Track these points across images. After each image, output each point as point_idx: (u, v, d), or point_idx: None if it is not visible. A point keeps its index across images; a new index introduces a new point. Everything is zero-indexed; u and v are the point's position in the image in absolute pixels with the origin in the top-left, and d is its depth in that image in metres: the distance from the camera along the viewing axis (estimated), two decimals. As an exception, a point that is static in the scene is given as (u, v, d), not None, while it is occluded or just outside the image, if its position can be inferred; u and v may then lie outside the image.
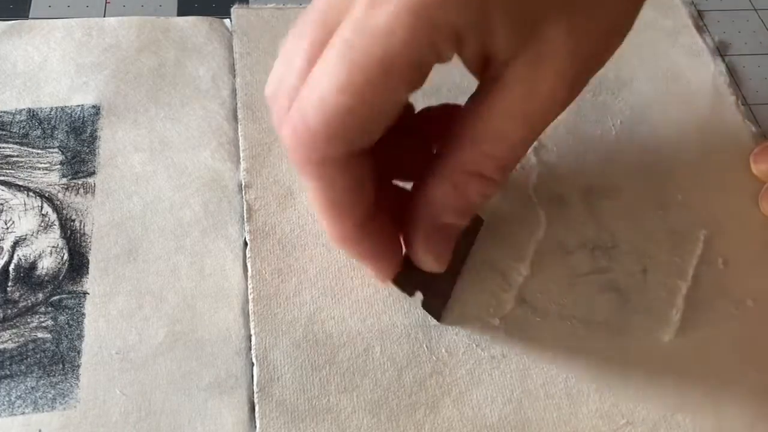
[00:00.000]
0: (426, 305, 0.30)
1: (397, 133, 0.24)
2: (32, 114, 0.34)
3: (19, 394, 0.27)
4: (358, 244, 0.26)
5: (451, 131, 0.25)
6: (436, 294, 0.30)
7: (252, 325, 0.29)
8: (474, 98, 0.24)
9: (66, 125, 0.34)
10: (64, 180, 0.32)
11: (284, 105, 0.23)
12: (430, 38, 0.21)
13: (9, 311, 0.29)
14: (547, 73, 0.22)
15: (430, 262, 0.27)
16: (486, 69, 0.23)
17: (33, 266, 0.30)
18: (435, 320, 0.30)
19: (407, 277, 0.28)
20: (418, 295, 0.29)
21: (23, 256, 0.30)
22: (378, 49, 0.20)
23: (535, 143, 0.35)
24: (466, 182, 0.25)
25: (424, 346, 0.29)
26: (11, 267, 0.30)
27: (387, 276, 0.28)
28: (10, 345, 0.28)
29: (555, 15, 0.22)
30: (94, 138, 0.34)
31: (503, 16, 0.21)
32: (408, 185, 0.28)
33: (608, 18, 0.23)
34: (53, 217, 0.31)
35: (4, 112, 0.34)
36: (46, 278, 0.30)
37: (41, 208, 0.31)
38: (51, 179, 0.32)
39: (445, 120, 0.27)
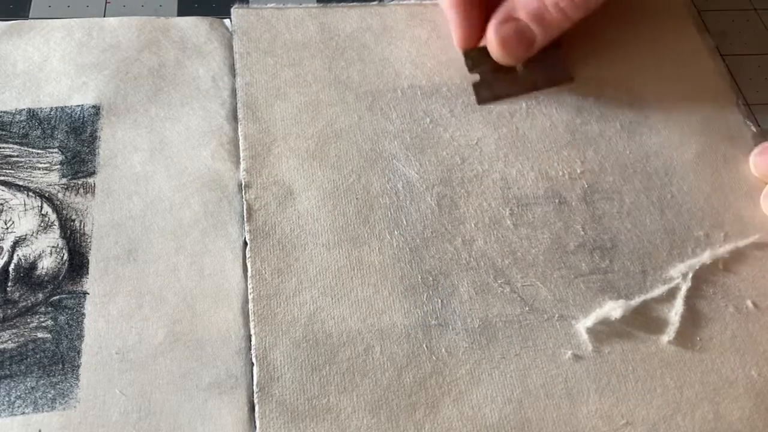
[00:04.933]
0: (477, 86, 0.36)
1: None
2: (32, 114, 0.34)
3: (19, 394, 0.27)
4: (460, 10, 0.34)
5: None
6: (493, 86, 0.36)
7: (252, 325, 0.29)
8: None
9: (66, 125, 0.34)
10: (64, 180, 0.32)
11: None
12: None
13: (9, 311, 0.29)
14: None
15: (496, 46, 0.34)
16: None
17: (33, 266, 0.30)
18: (476, 102, 0.36)
19: (477, 58, 0.35)
20: (474, 77, 0.36)
21: (23, 256, 0.30)
22: None
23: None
24: None
25: (424, 346, 0.29)
26: (11, 267, 0.30)
27: (464, 39, 0.35)
28: (10, 345, 0.28)
29: None
30: (94, 138, 0.34)
31: None
32: None
33: None
34: (53, 217, 0.31)
35: (4, 112, 0.34)
36: (46, 278, 0.30)
37: (41, 208, 0.31)
38: (51, 179, 0.32)
39: None
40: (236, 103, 0.35)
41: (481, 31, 0.35)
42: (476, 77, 0.36)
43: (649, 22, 0.41)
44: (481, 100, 0.36)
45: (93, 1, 0.40)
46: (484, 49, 0.35)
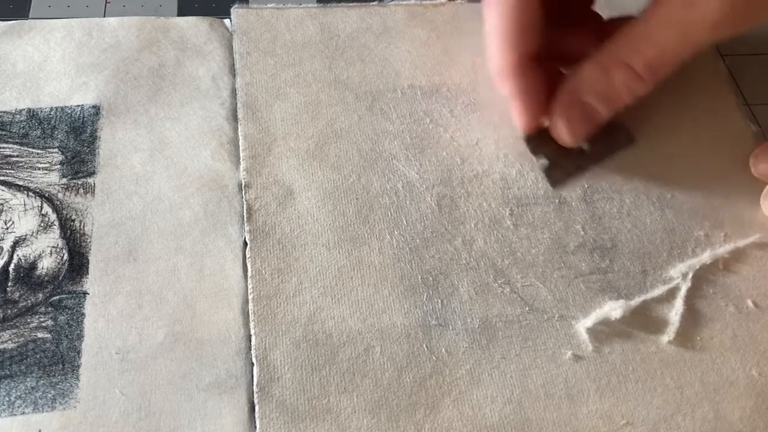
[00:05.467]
0: (548, 171, 0.34)
1: (573, 20, 0.31)
2: (32, 114, 0.34)
3: (19, 394, 0.27)
4: (516, 76, 0.31)
5: (622, 25, 0.30)
6: (563, 167, 0.34)
7: (252, 325, 0.29)
8: (644, 11, 0.29)
9: (66, 125, 0.34)
10: (64, 180, 0.32)
11: None
12: None
13: (9, 311, 0.29)
14: None
15: (563, 130, 0.32)
16: None
17: (33, 266, 0.30)
18: (550, 186, 0.34)
19: (540, 140, 0.33)
20: (542, 162, 0.34)
21: (23, 256, 0.30)
22: None
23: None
24: (614, 69, 0.30)
25: (424, 346, 0.29)
26: (11, 267, 0.30)
27: (526, 122, 0.32)
28: (10, 345, 0.28)
29: None
30: (94, 138, 0.34)
31: None
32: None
33: None
34: (53, 217, 0.31)
35: (4, 112, 0.34)
36: (46, 278, 0.30)
37: (41, 208, 0.31)
38: (51, 179, 0.32)
39: (618, 24, 0.31)
40: (236, 103, 0.35)
41: (544, 112, 0.32)
42: (543, 161, 0.34)
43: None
44: (556, 183, 0.34)
45: (93, 1, 0.40)
46: (547, 130, 0.33)
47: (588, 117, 0.31)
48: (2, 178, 0.32)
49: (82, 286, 0.30)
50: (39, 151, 0.33)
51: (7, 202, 0.31)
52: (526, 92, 0.31)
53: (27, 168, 0.32)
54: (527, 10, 0.30)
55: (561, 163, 0.34)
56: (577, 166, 0.34)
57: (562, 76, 0.33)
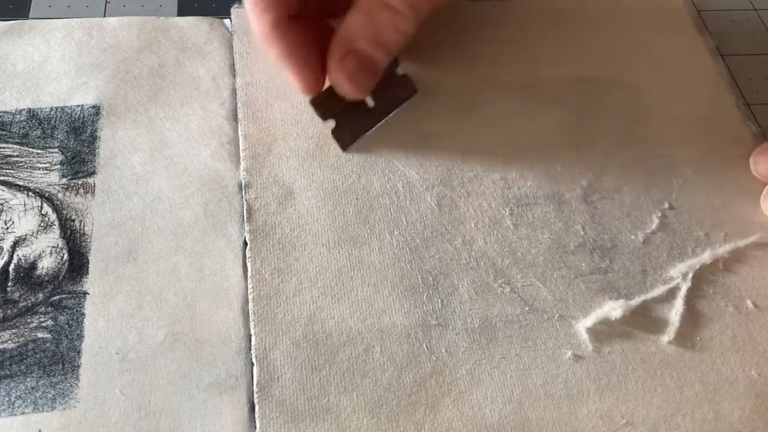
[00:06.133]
0: (335, 133, 0.33)
1: None
2: (32, 114, 0.34)
3: (19, 394, 0.27)
4: (280, 40, 0.31)
5: None
6: (350, 127, 0.34)
7: (252, 325, 0.29)
8: None
9: (66, 125, 0.34)
10: (64, 180, 0.32)
11: None
12: None
13: (9, 311, 0.29)
14: None
15: (343, 83, 0.31)
16: None
17: (33, 266, 0.30)
18: (340, 149, 0.34)
19: (327, 103, 0.33)
20: (331, 124, 0.33)
21: (23, 256, 0.30)
22: None
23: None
24: (377, 12, 0.30)
25: (424, 346, 0.29)
26: (11, 267, 0.30)
27: (307, 87, 0.32)
28: (10, 345, 0.28)
29: None
30: (94, 138, 0.34)
31: None
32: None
33: None
34: (53, 217, 0.31)
35: (4, 112, 0.34)
36: (46, 278, 0.30)
37: (41, 208, 0.31)
38: (51, 179, 0.32)
39: None
40: (236, 103, 0.35)
41: (323, 73, 0.32)
42: (331, 123, 0.33)
43: (649, 24, 0.41)
44: (345, 146, 0.34)
45: (93, 1, 0.40)
46: (330, 91, 0.32)
47: (365, 65, 0.31)
48: (2, 178, 0.32)
49: (82, 286, 0.30)
50: (39, 151, 0.33)
51: (7, 202, 0.31)
52: (296, 54, 0.31)
53: (27, 168, 0.32)
54: (275, 14, 0.30)
55: (348, 123, 0.34)
56: (365, 125, 0.34)
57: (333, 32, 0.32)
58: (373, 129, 0.34)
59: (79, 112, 0.34)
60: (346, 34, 0.31)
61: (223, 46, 0.37)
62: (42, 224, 0.31)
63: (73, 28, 0.37)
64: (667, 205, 0.34)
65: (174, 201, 0.32)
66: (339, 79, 0.32)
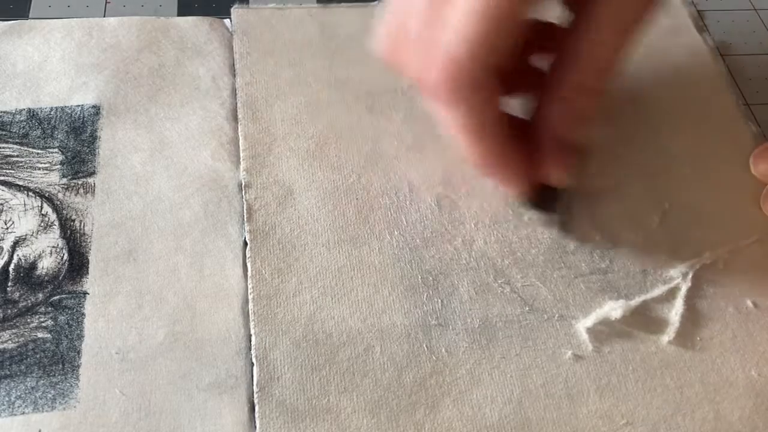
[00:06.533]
0: (567, 226, 0.32)
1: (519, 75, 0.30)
2: (32, 114, 0.34)
3: (19, 394, 0.27)
4: (499, 162, 0.29)
5: (556, 52, 0.29)
6: (563, 212, 0.33)
7: (252, 325, 0.29)
8: (573, 23, 0.28)
9: (66, 125, 0.34)
10: (64, 180, 0.32)
11: (415, 48, 0.27)
12: None
13: (9, 311, 0.29)
14: None
15: (560, 174, 0.30)
16: None
17: (33, 266, 0.30)
18: (570, 238, 0.32)
19: (541, 198, 0.31)
20: (558, 218, 0.32)
21: (23, 256, 0.30)
22: None
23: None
24: (575, 96, 0.29)
25: (424, 346, 0.29)
26: (11, 267, 0.30)
27: (518, 190, 0.31)
28: (10, 345, 0.28)
29: None
30: (94, 138, 0.34)
31: None
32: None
33: None
34: (53, 217, 0.31)
35: (4, 112, 0.34)
36: (46, 278, 0.30)
37: (41, 208, 0.31)
38: (51, 179, 0.32)
39: (543, 35, 0.30)
40: (236, 103, 0.35)
41: (530, 168, 0.30)
42: (559, 216, 0.32)
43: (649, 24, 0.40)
44: (573, 233, 0.32)
45: (93, 1, 0.40)
46: (540, 186, 0.31)
47: (569, 149, 0.30)
48: (2, 178, 0.32)
49: (82, 286, 0.30)
50: (39, 151, 0.33)
51: (7, 202, 0.31)
52: (514, 169, 0.30)
53: (27, 168, 0.32)
54: (497, 106, 0.28)
55: (556, 203, 0.32)
56: (563, 194, 0.32)
57: (519, 122, 0.31)
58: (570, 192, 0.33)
59: (79, 112, 0.34)
60: (551, 126, 0.30)
61: (223, 46, 0.37)
62: (42, 224, 0.31)
63: (73, 28, 0.37)
64: (667, 205, 0.34)
65: (174, 201, 0.32)
66: (559, 174, 0.30)
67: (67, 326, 0.29)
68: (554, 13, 0.29)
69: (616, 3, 0.27)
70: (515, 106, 0.31)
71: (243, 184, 0.33)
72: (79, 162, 0.33)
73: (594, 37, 0.27)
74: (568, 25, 0.29)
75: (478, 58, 0.25)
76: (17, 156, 0.33)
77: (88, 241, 0.31)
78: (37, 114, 0.34)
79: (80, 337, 0.28)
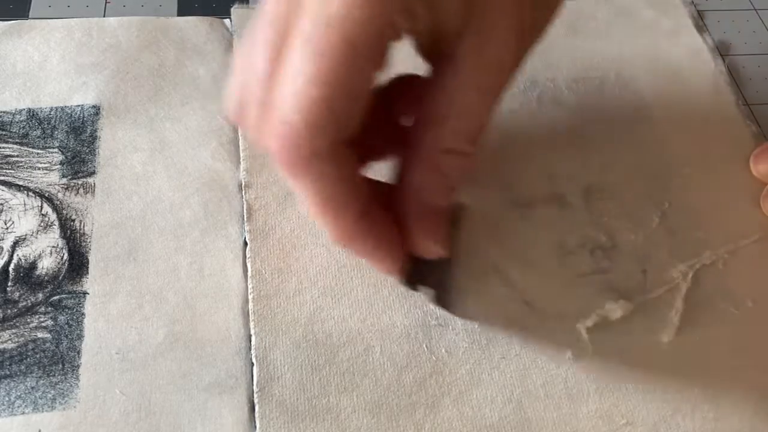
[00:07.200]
0: (439, 301, 0.30)
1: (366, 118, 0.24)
2: (32, 114, 0.34)
3: (18, 394, 0.27)
4: (361, 240, 0.26)
5: (418, 112, 0.26)
6: (441, 286, 0.30)
7: (252, 324, 0.29)
8: (432, 79, 0.25)
9: (66, 125, 0.34)
10: (64, 180, 0.32)
11: (256, 114, 0.23)
12: (385, 15, 0.21)
13: (9, 311, 0.29)
14: (494, 42, 0.24)
15: (431, 246, 0.27)
16: (438, 47, 0.24)
17: (33, 266, 0.30)
18: (450, 313, 0.30)
19: (415, 273, 0.28)
20: (427, 292, 0.30)
21: (23, 256, 0.30)
22: (338, 35, 0.21)
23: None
24: (442, 160, 0.25)
25: (424, 346, 0.29)
26: (11, 267, 0.30)
27: (393, 268, 0.27)
28: (10, 345, 0.28)
29: None
30: (94, 138, 0.34)
31: None
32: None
33: None
34: (53, 217, 0.31)
35: (4, 112, 0.34)
36: (45, 278, 0.30)
37: (41, 208, 0.31)
38: (51, 179, 0.32)
39: (407, 92, 0.27)
40: (236, 103, 0.35)
41: (400, 244, 0.27)
42: (428, 292, 0.30)
43: (649, 22, 0.41)
44: (456, 309, 0.30)
45: (93, 1, 0.40)
46: (411, 259, 0.27)
47: (441, 217, 0.27)
48: (2, 178, 0.32)
49: (82, 286, 0.30)
50: (39, 151, 0.33)
51: (7, 202, 0.31)
52: (376, 245, 0.26)
53: (27, 168, 0.32)
54: (350, 178, 0.24)
55: (436, 281, 0.29)
56: (448, 272, 0.30)
57: (387, 186, 0.27)
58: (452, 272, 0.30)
59: (79, 112, 0.34)
60: (418, 192, 0.26)
61: (223, 46, 0.37)
62: (42, 224, 0.31)
63: (73, 28, 0.37)
64: (667, 205, 0.34)
65: (174, 201, 0.32)
66: (428, 245, 0.27)
67: (66, 326, 0.29)
68: (416, 63, 0.26)
69: (483, 59, 0.24)
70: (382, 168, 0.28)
71: (243, 184, 0.33)
72: (79, 162, 0.33)
73: (458, 98, 0.24)
74: (428, 78, 0.25)
75: (316, 126, 0.22)
76: (17, 156, 0.33)
77: (88, 241, 0.31)
78: (37, 114, 0.34)
79: (80, 337, 0.28)
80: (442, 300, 0.30)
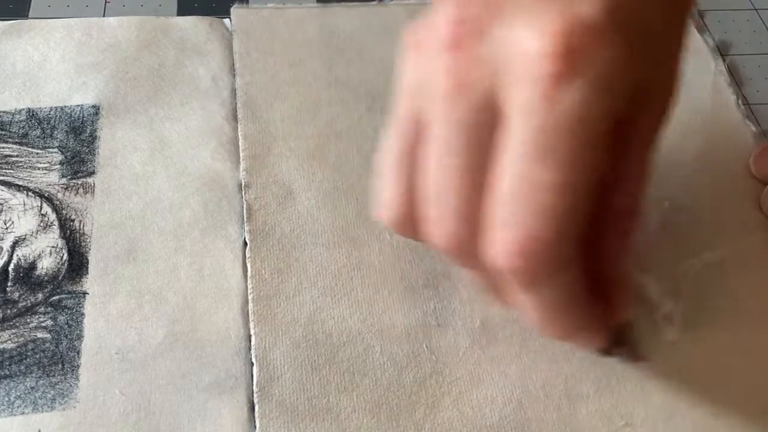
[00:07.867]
0: (636, 356, 0.30)
1: None
2: (32, 114, 0.34)
3: (18, 394, 0.27)
4: (589, 332, 0.26)
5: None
6: (628, 342, 0.30)
7: (252, 325, 0.29)
8: None
9: (66, 125, 0.34)
10: (64, 180, 0.32)
11: (456, 231, 0.23)
12: (619, 109, 0.21)
13: (8, 311, 0.29)
14: (659, 117, 0.24)
15: (628, 310, 0.27)
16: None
17: (32, 266, 0.30)
18: (640, 362, 0.30)
19: (617, 339, 0.29)
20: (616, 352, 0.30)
21: (23, 256, 0.30)
22: (580, 139, 0.20)
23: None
24: (626, 223, 0.25)
25: (424, 346, 0.29)
26: (11, 267, 0.30)
27: (602, 343, 0.28)
28: (9, 345, 0.28)
29: None
30: (93, 138, 0.34)
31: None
32: None
33: None
34: (53, 217, 0.31)
35: (4, 112, 0.34)
36: (45, 278, 0.30)
37: (41, 208, 0.31)
38: (50, 179, 0.32)
39: None
40: (236, 103, 0.35)
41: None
42: (624, 350, 0.30)
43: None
44: (641, 357, 0.30)
45: (93, 1, 0.40)
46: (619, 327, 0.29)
47: (626, 278, 0.27)
48: (2, 178, 0.32)
49: (82, 286, 0.30)
50: (39, 151, 0.33)
51: (6, 202, 0.31)
52: (595, 328, 0.27)
53: (27, 168, 0.32)
54: (581, 277, 0.24)
55: (625, 334, 0.30)
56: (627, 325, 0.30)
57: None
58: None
59: (78, 112, 0.34)
60: (612, 258, 0.26)
61: (223, 46, 0.37)
62: (42, 224, 0.31)
63: (73, 27, 0.37)
64: (667, 205, 0.34)
65: (174, 201, 0.32)
66: (627, 309, 0.27)
67: (66, 326, 0.29)
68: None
69: (655, 133, 0.24)
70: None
71: (243, 184, 0.33)
72: (79, 162, 0.33)
73: (631, 168, 0.24)
74: None
75: (567, 237, 0.21)
76: (17, 156, 0.33)
77: (88, 241, 0.31)
78: (37, 114, 0.34)
79: (80, 337, 0.28)
80: (637, 355, 0.30)
